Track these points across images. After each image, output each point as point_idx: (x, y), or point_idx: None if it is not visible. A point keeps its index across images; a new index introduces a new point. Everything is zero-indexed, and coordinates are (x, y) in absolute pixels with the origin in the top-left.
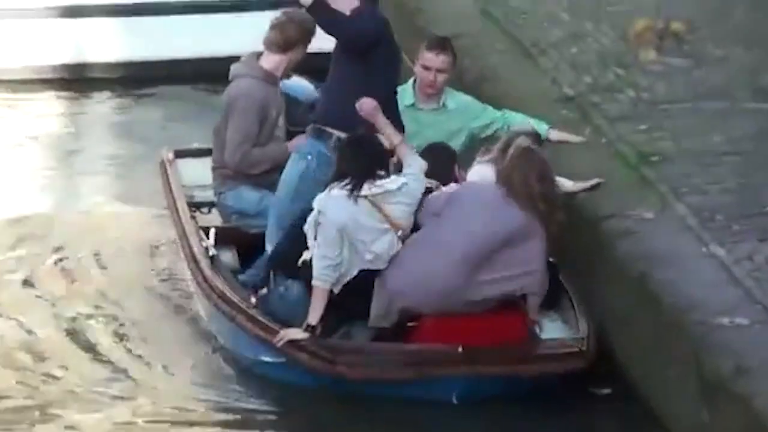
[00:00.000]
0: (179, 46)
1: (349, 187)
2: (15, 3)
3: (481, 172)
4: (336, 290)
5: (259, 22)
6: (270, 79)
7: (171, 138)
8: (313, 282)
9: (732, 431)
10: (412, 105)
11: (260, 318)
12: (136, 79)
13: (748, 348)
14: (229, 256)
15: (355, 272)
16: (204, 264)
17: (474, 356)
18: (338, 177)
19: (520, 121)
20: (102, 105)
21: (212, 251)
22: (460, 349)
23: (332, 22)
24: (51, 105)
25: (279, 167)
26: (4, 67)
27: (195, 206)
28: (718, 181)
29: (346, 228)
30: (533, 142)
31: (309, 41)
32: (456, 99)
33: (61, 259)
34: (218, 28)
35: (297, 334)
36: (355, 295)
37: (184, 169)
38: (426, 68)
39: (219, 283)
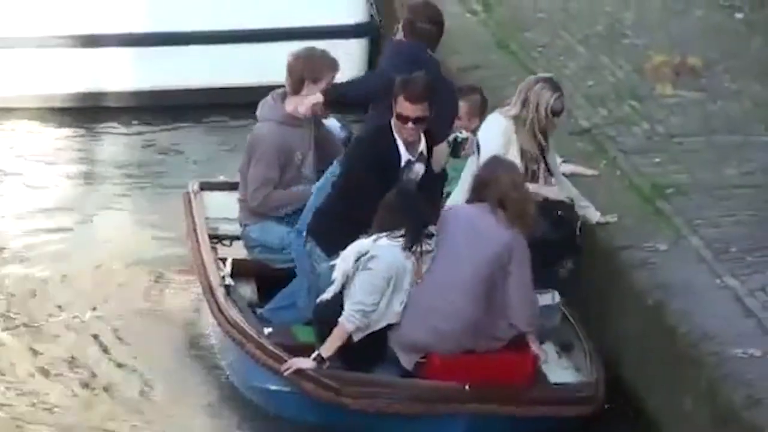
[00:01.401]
0: (195, 75)
1: (404, 239)
2: (30, 32)
3: (488, 122)
4: (356, 338)
5: (274, 53)
6: (292, 121)
7: (187, 168)
8: (341, 319)
9: None
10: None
11: (270, 347)
12: (151, 108)
13: (760, 378)
14: (248, 290)
15: (383, 324)
16: (219, 293)
17: (480, 395)
18: (388, 227)
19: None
20: (116, 134)
21: (228, 281)
22: (467, 387)
23: (346, 96)
24: (66, 133)
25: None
26: (18, 95)
27: (217, 238)
28: (731, 213)
29: (397, 278)
30: (551, 87)
31: (319, 78)
32: None
33: (64, 304)
34: (235, 58)
35: (305, 363)
36: (374, 342)
37: (209, 202)
38: None
39: (232, 312)
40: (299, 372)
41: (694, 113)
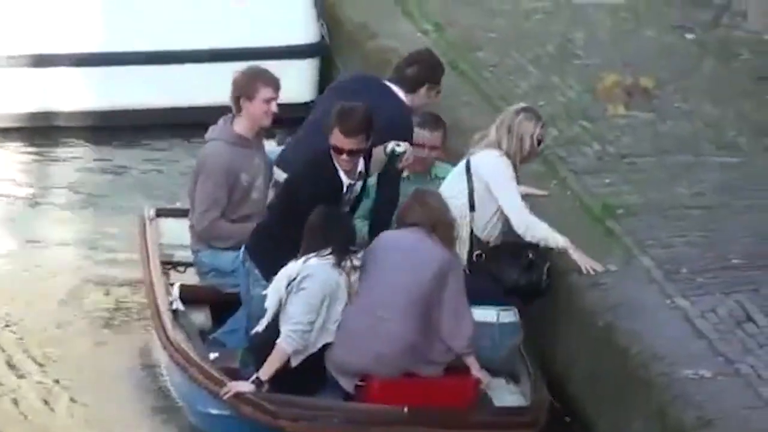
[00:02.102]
0: (146, 95)
1: (333, 257)
2: None
3: (489, 157)
4: (295, 362)
5: (226, 74)
6: (241, 142)
7: (136, 189)
8: (278, 341)
9: None
10: (405, 178)
11: (211, 371)
12: (101, 128)
13: (711, 400)
14: (201, 316)
15: (320, 345)
16: (166, 318)
17: (419, 418)
18: (315, 248)
19: None
20: (66, 154)
21: (176, 306)
22: (405, 410)
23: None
24: (15, 154)
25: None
26: None
27: (172, 265)
28: (682, 234)
29: (332, 295)
30: (534, 117)
31: (252, 95)
32: (443, 169)
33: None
34: (187, 78)
35: (244, 386)
36: (313, 366)
37: (165, 228)
38: (419, 146)
39: (177, 336)
40: (238, 395)
41: (645, 133)
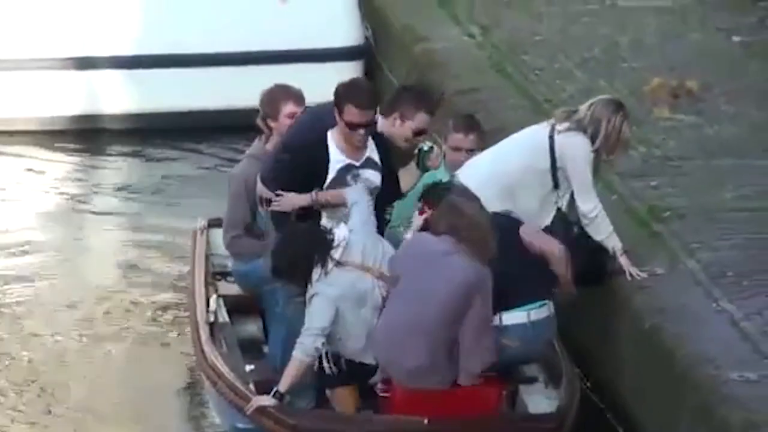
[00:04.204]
0: (189, 97)
1: (320, 271)
2: (25, 54)
3: (577, 141)
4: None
5: (270, 76)
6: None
7: (181, 192)
8: (294, 352)
9: None
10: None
11: (237, 385)
12: (146, 130)
13: (757, 403)
14: (253, 327)
15: (361, 334)
16: (201, 330)
17: (439, 428)
18: (304, 274)
19: None
20: (111, 156)
21: (214, 317)
22: (426, 421)
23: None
24: (61, 156)
25: None
26: (14, 117)
27: (222, 275)
28: (728, 237)
29: (343, 298)
30: (628, 117)
31: (275, 114)
32: None
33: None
34: (230, 80)
35: (266, 400)
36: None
37: (219, 239)
38: (456, 149)
39: (209, 348)
40: (260, 410)
41: (690, 136)
